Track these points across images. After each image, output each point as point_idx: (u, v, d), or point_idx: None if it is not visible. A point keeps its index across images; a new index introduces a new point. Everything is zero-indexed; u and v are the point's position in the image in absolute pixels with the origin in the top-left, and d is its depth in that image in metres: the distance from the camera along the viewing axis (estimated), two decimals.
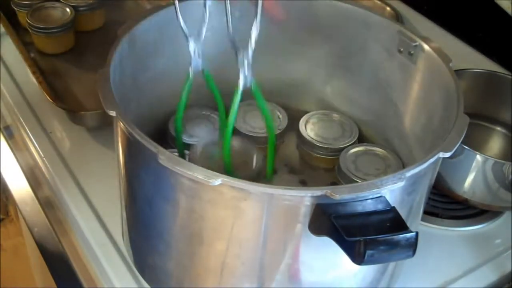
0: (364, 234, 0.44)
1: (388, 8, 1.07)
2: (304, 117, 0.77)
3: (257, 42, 0.75)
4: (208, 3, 0.70)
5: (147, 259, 0.63)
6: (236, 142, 0.69)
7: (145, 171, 0.54)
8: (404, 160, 0.72)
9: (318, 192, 0.46)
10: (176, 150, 0.70)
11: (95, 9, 0.99)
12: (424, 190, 0.56)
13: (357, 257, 0.44)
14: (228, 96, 0.78)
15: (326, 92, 0.79)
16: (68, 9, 0.96)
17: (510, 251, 0.72)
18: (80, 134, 0.82)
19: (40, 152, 0.79)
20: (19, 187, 0.81)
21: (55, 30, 0.94)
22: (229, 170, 0.64)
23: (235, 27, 0.73)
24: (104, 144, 0.80)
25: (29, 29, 0.94)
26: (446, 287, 0.67)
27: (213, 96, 0.68)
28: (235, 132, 0.75)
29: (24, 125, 0.84)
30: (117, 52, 0.59)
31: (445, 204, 0.76)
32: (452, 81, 0.60)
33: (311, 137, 0.75)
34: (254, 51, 0.61)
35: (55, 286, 0.71)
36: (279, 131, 0.75)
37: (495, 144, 0.84)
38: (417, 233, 0.45)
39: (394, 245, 0.45)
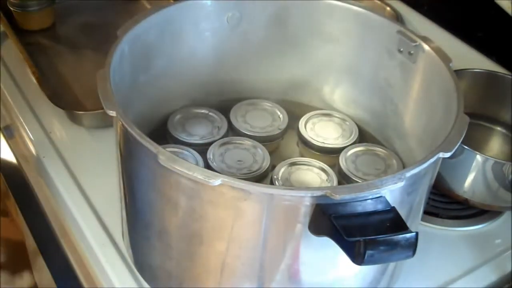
0: (364, 234, 0.44)
1: (388, 8, 1.07)
2: (304, 116, 0.77)
3: (259, 43, 0.76)
4: (208, 3, 0.71)
5: (147, 259, 0.63)
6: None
7: (145, 171, 0.54)
8: (404, 160, 0.72)
9: (318, 192, 0.46)
10: (175, 150, 0.70)
11: None
12: (424, 190, 0.56)
13: (357, 257, 0.44)
14: (226, 95, 0.79)
15: (326, 92, 0.79)
16: None
17: (510, 251, 0.72)
18: (80, 134, 0.82)
19: (40, 152, 0.79)
20: (19, 187, 0.81)
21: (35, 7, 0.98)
22: None
23: (235, 27, 0.74)
24: (104, 144, 0.80)
25: (10, 8, 0.98)
26: (446, 287, 0.67)
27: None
28: (235, 131, 0.75)
29: (24, 125, 0.84)
30: (117, 52, 0.59)
31: (445, 204, 0.76)
32: (452, 81, 0.60)
33: (311, 137, 0.75)
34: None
35: (55, 286, 0.71)
36: (279, 131, 0.75)
37: (495, 144, 0.84)
38: (417, 233, 0.45)
39: (394, 245, 0.45)
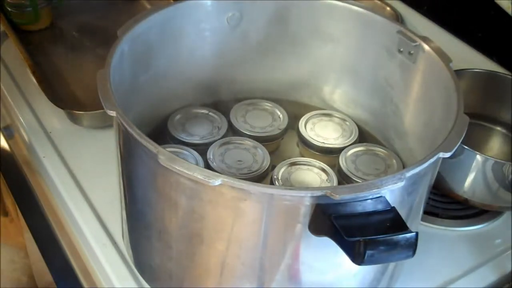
0: (364, 234, 0.44)
1: (388, 8, 1.07)
2: (304, 116, 0.77)
3: (259, 43, 0.76)
4: (208, 3, 0.71)
5: (147, 259, 0.63)
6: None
7: (145, 171, 0.54)
8: (404, 160, 0.72)
9: (318, 192, 0.46)
10: (175, 150, 0.70)
11: None
12: (424, 190, 0.56)
13: (357, 257, 0.44)
14: (226, 95, 0.79)
15: (326, 92, 0.79)
16: None
17: (510, 251, 0.72)
18: (80, 134, 0.82)
19: (40, 152, 0.79)
20: (19, 187, 0.81)
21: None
22: None
23: (235, 27, 0.74)
24: (104, 144, 0.80)
25: (8, 8, 0.98)
26: (446, 287, 0.67)
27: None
28: (235, 131, 0.75)
29: (24, 125, 0.84)
30: (117, 52, 0.59)
31: (445, 204, 0.76)
32: (452, 81, 0.60)
33: (311, 137, 0.75)
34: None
35: (55, 286, 0.71)
36: (279, 131, 0.75)
37: (495, 144, 0.84)
38: (417, 233, 0.45)
39: (394, 245, 0.45)
